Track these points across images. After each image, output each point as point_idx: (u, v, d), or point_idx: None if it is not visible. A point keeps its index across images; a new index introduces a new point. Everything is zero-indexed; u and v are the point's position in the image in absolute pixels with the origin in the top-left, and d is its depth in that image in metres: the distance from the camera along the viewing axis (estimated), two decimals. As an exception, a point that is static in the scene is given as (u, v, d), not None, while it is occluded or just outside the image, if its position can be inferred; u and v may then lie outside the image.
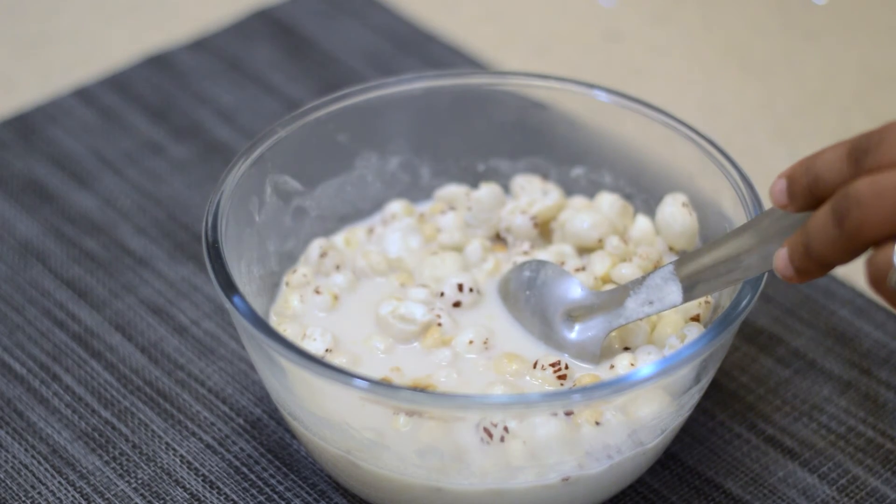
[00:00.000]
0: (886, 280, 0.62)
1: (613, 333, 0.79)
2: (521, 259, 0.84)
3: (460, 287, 0.81)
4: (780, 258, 0.67)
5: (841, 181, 0.64)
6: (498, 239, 0.86)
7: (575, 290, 0.80)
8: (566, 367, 0.77)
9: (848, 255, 0.63)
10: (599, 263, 0.82)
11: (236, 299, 0.73)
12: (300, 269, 0.84)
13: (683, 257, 0.75)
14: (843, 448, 0.82)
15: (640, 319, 0.77)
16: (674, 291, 0.75)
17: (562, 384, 0.77)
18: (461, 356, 0.79)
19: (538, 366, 0.77)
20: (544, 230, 0.86)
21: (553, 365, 0.77)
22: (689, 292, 0.75)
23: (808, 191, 0.65)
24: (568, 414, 0.72)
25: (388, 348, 0.79)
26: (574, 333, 0.79)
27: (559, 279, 0.80)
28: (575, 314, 0.79)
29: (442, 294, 0.81)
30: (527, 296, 0.81)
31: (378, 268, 0.84)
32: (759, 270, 0.71)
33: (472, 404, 0.71)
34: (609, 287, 0.81)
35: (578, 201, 0.87)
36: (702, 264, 0.74)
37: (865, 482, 0.81)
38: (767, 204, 0.73)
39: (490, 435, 0.71)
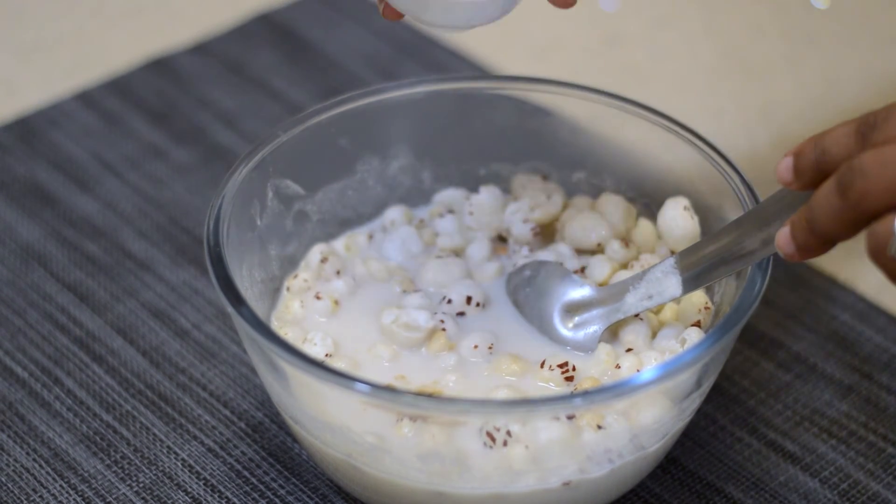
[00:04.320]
0: (886, 250, 0.62)
1: (610, 335, 0.79)
2: (522, 262, 0.84)
3: (468, 300, 0.81)
4: (783, 236, 0.67)
5: (847, 156, 0.64)
6: (500, 240, 0.86)
7: (574, 286, 0.80)
8: (573, 369, 0.77)
9: (850, 228, 0.64)
10: (599, 269, 0.82)
11: (238, 304, 0.73)
12: (301, 274, 0.84)
13: (685, 250, 0.76)
14: (844, 452, 0.82)
15: (638, 314, 0.78)
16: (673, 284, 0.76)
17: (568, 385, 0.77)
18: (466, 360, 0.79)
19: (546, 365, 0.77)
20: (545, 232, 0.86)
21: (561, 366, 0.77)
22: (691, 283, 0.75)
23: (815, 166, 0.66)
24: (570, 418, 0.72)
25: (392, 356, 0.79)
26: (571, 328, 0.79)
27: (558, 276, 0.81)
28: (573, 309, 0.79)
29: (450, 301, 0.81)
30: (526, 293, 0.81)
31: (378, 275, 0.84)
32: (761, 255, 0.72)
33: (473, 408, 0.71)
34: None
35: (582, 201, 0.87)
36: (704, 254, 0.75)
37: (867, 487, 0.81)
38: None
39: (493, 439, 0.71)
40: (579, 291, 0.80)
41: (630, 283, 0.78)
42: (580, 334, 0.79)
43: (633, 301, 0.77)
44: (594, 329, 0.79)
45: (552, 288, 0.81)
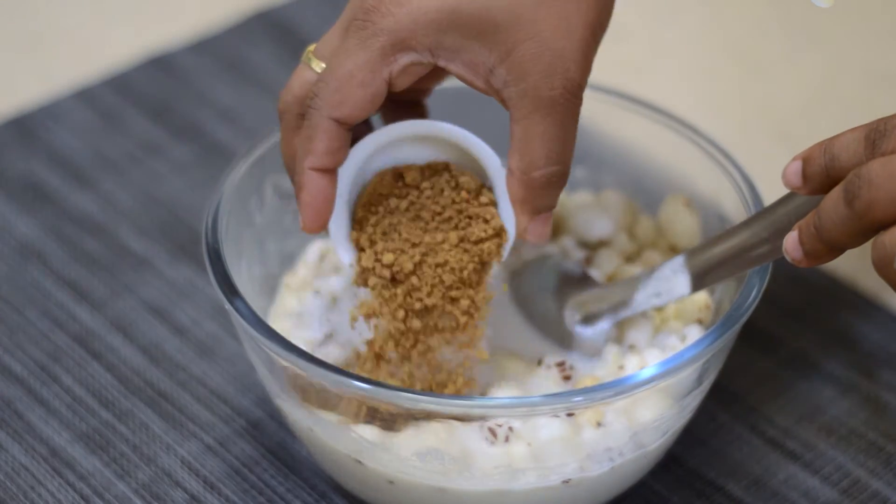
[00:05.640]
0: (893, 262, 0.62)
1: (617, 333, 0.79)
2: (528, 257, 0.84)
3: None
4: (790, 240, 0.67)
5: (856, 163, 0.64)
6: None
7: (583, 281, 0.80)
8: (571, 368, 0.77)
9: (857, 238, 0.63)
10: (607, 262, 0.82)
11: (236, 302, 0.73)
12: (299, 270, 0.84)
13: (695, 248, 0.76)
14: (844, 450, 0.82)
15: (645, 312, 0.78)
16: (682, 283, 0.75)
17: (566, 384, 0.77)
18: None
19: (543, 364, 0.77)
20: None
21: (559, 365, 0.77)
22: (699, 282, 0.75)
23: (825, 172, 0.66)
24: (570, 415, 0.72)
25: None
26: (580, 324, 0.79)
27: (566, 271, 0.80)
28: (582, 305, 0.79)
29: None
30: (532, 287, 0.81)
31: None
32: (770, 257, 0.72)
33: (473, 405, 0.71)
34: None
35: (583, 197, 0.87)
36: (713, 254, 0.74)
37: (867, 484, 0.80)
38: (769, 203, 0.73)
39: (494, 435, 0.71)
40: (588, 287, 0.80)
41: (639, 280, 0.77)
42: (588, 330, 0.79)
43: (642, 298, 0.77)
44: (602, 325, 0.78)
45: (560, 283, 0.80)
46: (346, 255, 0.74)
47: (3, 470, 0.81)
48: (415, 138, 0.75)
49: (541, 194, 0.72)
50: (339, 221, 0.74)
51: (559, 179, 0.72)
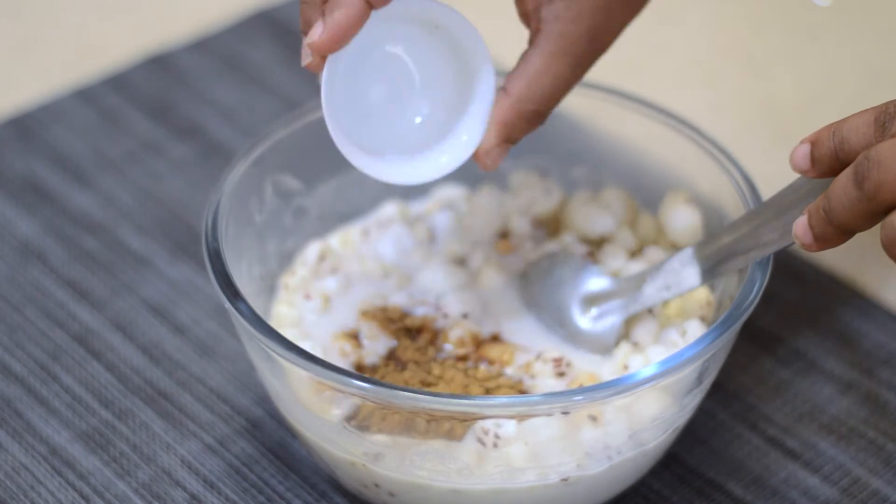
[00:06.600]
0: None
1: (623, 329, 0.79)
2: (531, 256, 0.83)
3: (464, 317, 0.81)
4: (800, 225, 0.67)
5: (866, 145, 0.64)
6: (503, 237, 0.86)
7: (592, 277, 0.80)
8: (567, 365, 0.77)
9: (866, 220, 0.63)
10: (612, 258, 0.82)
11: (235, 300, 0.73)
12: (298, 271, 0.84)
13: (704, 240, 0.76)
14: (844, 449, 0.82)
15: (651, 308, 0.77)
16: (692, 275, 0.75)
17: (560, 380, 0.77)
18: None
19: (540, 357, 0.77)
20: (547, 227, 0.86)
21: (555, 360, 0.77)
22: (708, 273, 0.75)
23: (833, 155, 0.66)
24: (565, 413, 0.72)
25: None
26: (590, 320, 0.79)
27: (577, 267, 0.80)
28: (592, 301, 0.79)
29: (445, 315, 0.81)
30: (543, 284, 0.81)
31: (373, 274, 0.84)
32: (779, 245, 0.71)
33: (472, 405, 0.71)
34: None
35: (583, 195, 0.87)
36: (722, 245, 0.74)
37: (867, 483, 0.80)
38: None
39: (483, 444, 0.71)
40: (598, 282, 0.80)
41: (648, 273, 0.77)
42: (598, 326, 0.79)
43: (651, 292, 0.77)
44: (612, 321, 0.78)
45: (571, 279, 0.80)
46: (336, 134, 0.72)
47: (3, 469, 0.81)
48: (413, 19, 0.73)
49: (521, 126, 0.73)
50: (338, 96, 0.72)
51: (540, 120, 0.73)
